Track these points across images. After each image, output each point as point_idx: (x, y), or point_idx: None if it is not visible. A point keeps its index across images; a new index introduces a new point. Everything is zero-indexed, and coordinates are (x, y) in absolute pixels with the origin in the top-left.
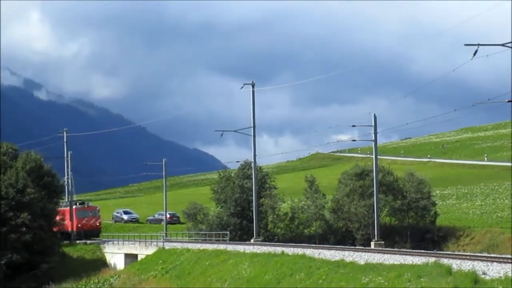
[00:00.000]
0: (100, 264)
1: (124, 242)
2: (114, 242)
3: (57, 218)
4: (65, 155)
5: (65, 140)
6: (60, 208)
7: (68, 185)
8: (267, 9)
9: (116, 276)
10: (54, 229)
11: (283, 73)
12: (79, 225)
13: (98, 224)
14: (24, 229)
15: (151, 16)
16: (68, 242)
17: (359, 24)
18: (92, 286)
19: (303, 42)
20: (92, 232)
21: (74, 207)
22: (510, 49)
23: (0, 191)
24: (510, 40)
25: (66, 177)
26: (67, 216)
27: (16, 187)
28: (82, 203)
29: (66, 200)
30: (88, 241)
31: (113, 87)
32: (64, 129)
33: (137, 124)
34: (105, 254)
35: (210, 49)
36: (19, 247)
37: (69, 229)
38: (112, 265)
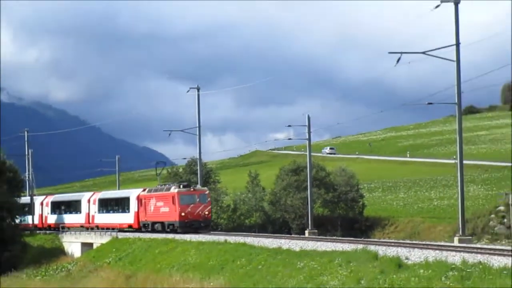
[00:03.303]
0: (59, 252)
1: (81, 232)
2: (72, 232)
3: (154, 204)
4: (26, 153)
5: (26, 139)
6: (156, 193)
7: (29, 180)
8: (209, 20)
9: (74, 263)
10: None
11: (226, 77)
12: (182, 214)
13: (207, 213)
14: None
15: (104, 25)
16: (29, 232)
17: (295, 33)
18: (51, 272)
19: (244, 49)
20: (199, 224)
21: (176, 190)
22: (429, 56)
23: None
24: (431, 49)
25: (27, 173)
26: (169, 203)
27: None
28: (187, 185)
29: (27, 194)
30: (48, 232)
31: (70, 90)
32: (25, 129)
33: (92, 124)
34: (63, 243)
35: (159, 56)
36: None
37: (171, 219)
38: (70, 253)
